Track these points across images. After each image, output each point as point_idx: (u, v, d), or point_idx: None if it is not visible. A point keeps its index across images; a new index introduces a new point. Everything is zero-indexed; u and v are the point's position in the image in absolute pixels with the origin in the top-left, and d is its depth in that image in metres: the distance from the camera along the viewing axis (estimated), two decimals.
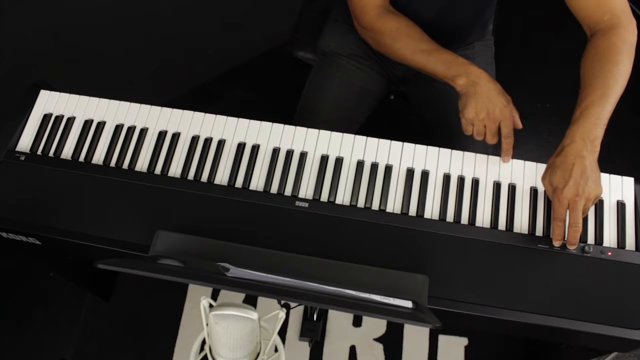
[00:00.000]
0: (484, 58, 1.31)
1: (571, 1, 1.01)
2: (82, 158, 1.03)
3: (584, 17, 1.00)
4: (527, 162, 1.00)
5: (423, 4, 1.12)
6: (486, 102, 0.96)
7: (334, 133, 1.03)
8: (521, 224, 0.95)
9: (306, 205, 0.96)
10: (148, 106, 1.07)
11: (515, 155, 1.01)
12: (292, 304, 1.19)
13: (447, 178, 0.99)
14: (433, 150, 1.02)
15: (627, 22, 0.97)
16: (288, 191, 0.98)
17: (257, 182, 1.00)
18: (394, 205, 0.97)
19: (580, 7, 1.00)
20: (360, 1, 1.07)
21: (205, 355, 0.89)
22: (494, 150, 1.02)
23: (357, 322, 1.63)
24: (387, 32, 1.06)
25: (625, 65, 0.94)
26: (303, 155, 1.01)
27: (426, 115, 1.35)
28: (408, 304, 0.77)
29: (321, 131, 1.04)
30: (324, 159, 1.01)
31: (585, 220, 0.95)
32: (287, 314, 1.59)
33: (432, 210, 0.96)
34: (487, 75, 0.99)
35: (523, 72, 2.04)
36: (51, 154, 1.04)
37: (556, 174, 0.90)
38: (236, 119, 1.06)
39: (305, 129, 1.04)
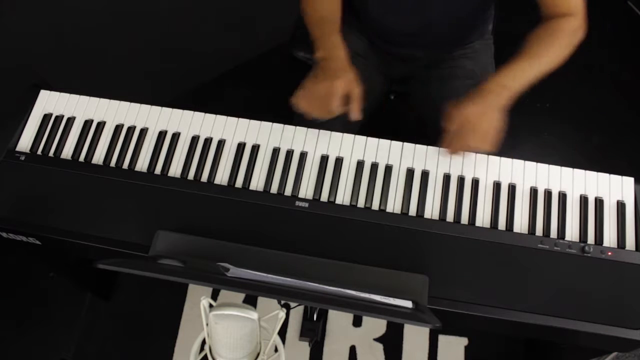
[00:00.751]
0: (484, 57, 1.31)
1: None
2: (82, 158, 1.03)
3: (546, 3, 1.07)
4: (527, 162, 1.00)
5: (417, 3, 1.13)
6: (331, 75, 1.01)
7: (334, 133, 1.03)
8: (521, 223, 0.95)
9: (306, 205, 0.96)
10: (148, 106, 1.07)
11: (515, 155, 1.01)
12: (292, 304, 1.19)
13: (447, 178, 0.99)
14: (433, 150, 1.02)
15: (581, 19, 1.05)
16: (288, 191, 0.98)
17: (257, 182, 1.00)
18: (394, 205, 0.97)
19: None
20: None
21: (205, 355, 0.89)
22: (490, 152, 1.02)
23: (357, 322, 1.63)
24: None
25: (563, 49, 1.04)
26: (303, 155, 1.01)
27: (426, 115, 1.35)
28: (408, 304, 0.77)
29: (321, 131, 1.04)
30: (324, 159, 1.01)
31: (585, 220, 0.95)
32: (287, 314, 1.59)
33: (432, 210, 0.96)
34: (342, 62, 1.04)
35: None
36: (51, 154, 1.04)
37: (469, 100, 0.98)
38: (236, 119, 1.06)
39: (305, 129, 1.04)
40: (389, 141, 1.03)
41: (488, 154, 1.02)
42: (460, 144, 0.98)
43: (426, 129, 1.33)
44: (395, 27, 1.22)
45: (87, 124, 1.06)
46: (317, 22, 1.12)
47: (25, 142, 1.05)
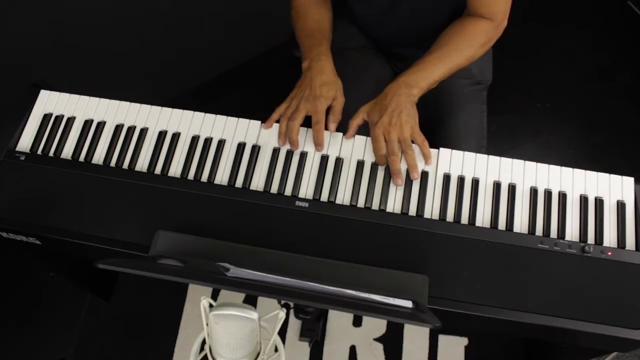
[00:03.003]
0: (482, 57, 1.30)
1: None
2: (82, 158, 1.03)
3: (472, 2, 1.07)
4: (527, 162, 1.00)
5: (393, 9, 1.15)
6: (307, 89, 1.04)
7: (333, 133, 1.04)
8: (521, 223, 0.95)
9: (306, 205, 0.96)
10: (148, 106, 1.07)
11: (515, 155, 1.01)
12: (292, 304, 1.20)
13: (447, 178, 0.99)
14: (433, 150, 1.02)
15: (500, 21, 1.07)
16: (288, 191, 0.98)
17: (257, 182, 1.00)
18: (394, 205, 0.97)
19: None
20: None
21: (205, 355, 0.89)
22: (494, 150, 1.02)
23: (357, 322, 1.63)
24: (295, 6, 1.18)
25: (474, 51, 1.06)
26: (303, 155, 1.01)
27: (427, 114, 1.35)
28: (408, 304, 0.77)
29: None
30: (324, 159, 1.01)
31: (585, 220, 0.95)
32: (287, 314, 1.59)
33: (432, 210, 0.96)
34: (325, 76, 1.06)
35: (522, 72, 2.05)
36: (51, 153, 1.04)
37: (374, 109, 1.00)
38: (236, 119, 1.06)
39: (305, 129, 1.04)
40: None
41: (497, 152, 1.01)
42: (394, 132, 0.97)
43: (426, 129, 1.33)
44: (380, 27, 1.22)
45: (87, 124, 1.06)
46: (306, 35, 1.13)
47: (25, 142, 1.05)
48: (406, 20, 1.18)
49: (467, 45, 1.05)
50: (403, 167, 0.99)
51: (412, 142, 0.99)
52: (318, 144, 1.01)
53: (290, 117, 1.02)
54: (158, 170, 1.01)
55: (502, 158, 1.01)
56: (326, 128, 1.03)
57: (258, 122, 1.05)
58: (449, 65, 1.03)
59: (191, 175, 1.01)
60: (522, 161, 1.01)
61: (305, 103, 1.02)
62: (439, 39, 1.07)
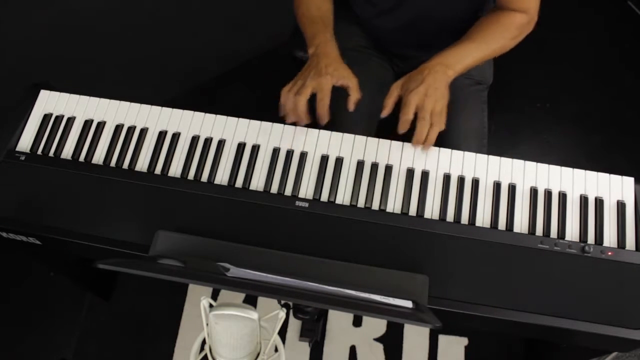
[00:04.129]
0: None
1: None
2: (82, 158, 1.03)
3: None
4: (527, 162, 1.00)
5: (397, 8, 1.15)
6: (315, 72, 1.03)
7: (333, 133, 1.04)
8: (521, 223, 0.95)
9: (306, 205, 0.96)
10: (148, 106, 1.07)
11: (515, 155, 1.01)
12: (292, 304, 1.20)
13: (447, 178, 0.99)
14: (433, 150, 1.02)
15: (532, 17, 1.08)
16: (288, 191, 0.98)
17: (257, 182, 1.00)
18: (394, 205, 0.97)
19: None
20: None
21: (205, 355, 0.89)
22: (494, 150, 1.02)
23: (357, 322, 1.63)
24: None
25: (506, 42, 1.07)
26: (303, 155, 1.01)
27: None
28: (408, 304, 0.77)
29: (321, 131, 1.04)
30: (324, 159, 1.01)
31: (585, 220, 0.95)
32: (287, 314, 1.59)
33: (432, 210, 0.96)
34: (332, 59, 1.05)
35: (523, 72, 2.04)
36: (51, 154, 1.04)
37: (409, 81, 0.99)
38: (236, 119, 1.06)
39: (305, 129, 1.04)
40: (389, 141, 1.03)
41: (497, 152, 1.01)
42: (429, 102, 0.97)
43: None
44: (380, 26, 1.22)
45: (87, 124, 1.06)
46: (309, 21, 1.13)
47: (25, 142, 1.05)
48: (409, 20, 1.18)
49: (501, 36, 1.06)
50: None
51: None
52: (322, 116, 1.00)
53: (297, 92, 1.00)
54: (158, 170, 1.01)
55: (502, 158, 1.01)
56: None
57: (258, 122, 1.05)
58: (482, 52, 1.04)
59: (191, 175, 1.01)
60: (522, 161, 1.01)
61: (311, 81, 1.00)
62: (474, 27, 1.08)
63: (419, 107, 0.96)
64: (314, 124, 1.03)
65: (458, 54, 1.03)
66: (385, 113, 1.00)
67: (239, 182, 1.00)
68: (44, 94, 1.09)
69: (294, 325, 1.61)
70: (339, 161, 1.01)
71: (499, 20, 1.08)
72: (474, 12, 1.22)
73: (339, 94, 1.25)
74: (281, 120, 1.06)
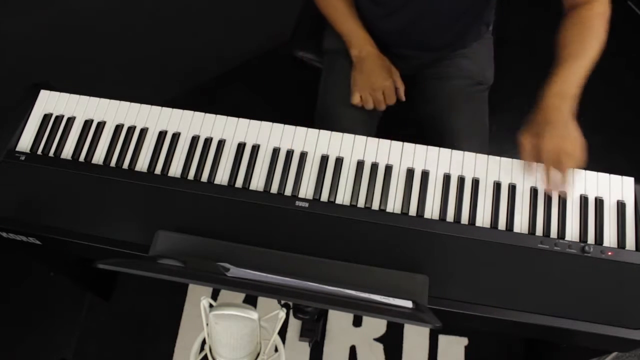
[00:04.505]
0: (483, 57, 1.31)
1: None
2: (82, 158, 1.03)
3: None
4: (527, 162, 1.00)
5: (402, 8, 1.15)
6: (370, 76, 1.17)
7: (333, 133, 1.04)
8: (521, 223, 0.95)
9: (306, 205, 0.96)
10: (148, 106, 1.07)
11: (515, 155, 1.01)
12: (292, 304, 1.20)
13: (447, 178, 0.99)
14: (433, 150, 1.02)
15: (605, 2, 1.03)
16: (288, 191, 0.98)
17: (257, 182, 1.00)
18: (394, 205, 0.97)
19: None
20: None
21: (205, 355, 0.89)
22: (494, 150, 1.02)
23: (357, 322, 1.63)
24: None
25: (599, 35, 1.01)
26: (303, 155, 1.01)
27: (425, 114, 1.35)
28: (408, 304, 0.77)
29: (321, 131, 1.04)
30: (324, 159, 1.01)
31: (585, 220, 0.95)
32: (287, 314, 1.59)
33: (432, 210, 0.96)
34: (377, 53, 1.18)
35: (523, 72, 2.04)
36: (51, 154, 1.04)
37: (537, 125, 0.96)
38: (236, 119, 1.06)
39: (305, 129, 1.04)
40: (389, 141, 1.03)
41: (497, 152, 1.03)
42: (561, 171, 0.94)
43: (426, 129, 1.33)
44: (383, 26, 1.22)
45: (87, 124, 1.06)
46: (342, 18, 1.21)
47: (25, 142, 1.05)
48: (412, 20, 1.17)
49: (595, 36, 1.01)
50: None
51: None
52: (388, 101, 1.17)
53: (376, 103, 1.17)
54: (158, 170, 1.01)
55: (502, 158, 1.01)
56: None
57: (258, 122, 1.05)
58: (587, 63, 1.00)
59: (191, 175, 1.01)
60: (522, 161, 1.00)
61: (376, 92, 1.16)
62: (566, 39, 1.03)
63: (555, 154, 0.94)
64: (313, 123, 1.04)
65: (567, 77, 0.98)
66: (528, 166, 0.98)
67: (239, 182, 1.00)
68: (44, 94, 1.09)
69: (294, 325, 1.61)
70: (339, 161, 1.01)
71: (578, 24, 1.03)
72: (477, 13, 1.22)
73: (340, 94, 1.25)
74: (281, 120, 1.06)
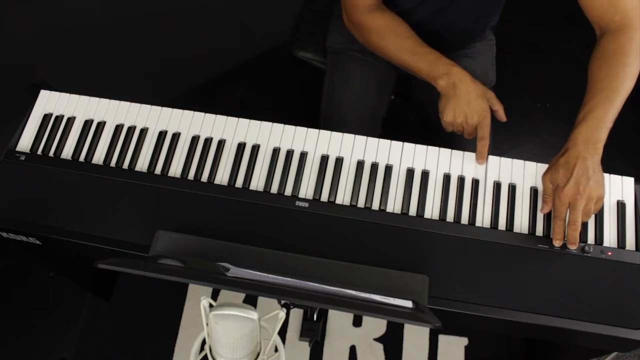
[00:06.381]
0: (485, 58, 1.31)
1: (583, 0, 0.99)
2: (82, 158, 1.03)
3: (595, 16, 0.98)
4: (527, 162, 1.00)
5: (417, 7, 1.13)
6: (465, 106, 0.99)
7: (334, 133, 1.04)
8: (521, 224, 0.95)
9: (306, 205, 0.96)
10: (148, 106, 1.07)
11: (515, 155, 1.01)
12: (292, 304, 1.20)
13: (447, 178, 0.99)
14: (433, 150, 1.02)
15: (637, 22, 0.95)
16: (288, 191, 0.98)
17: (257, 182, 1.00)
18: (394, 205, 0.97)
19: (593, 6, 0.98)
20: None
21: (205, 355, 0.89)
22: (495, 150, 1.02)
23: (357, 322, 1.63)
24: (375, 29, 1.07)
25: (632, 67, 0.93)
26: (303, 155, 1.01)
27: (426, 114, 1.35)
28: (408, 304, 0.77)
29: (321, 131, 1.04)
30: (324, 159, 1.01)
31: (585, 221, 0.95)
32: (287, 314, 1.59)
33: (432, 210, 0.96)
34: (469, 78, 1.00)
35: (523, 72, 2.04)
36: (51, 154, 1.04)
37: (558, 172, 0.91)
38: (236, 119, 1.06)
39: (305, 129, 1.04)
40: (389, 141, 1.03)
41: (497, 152, 1.01)
42: (581, 202, 0.89)
43: (426, 129, 1.33)
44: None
45: (87, 124, 1.06)
46: (413, 50, 1.05)
47: (25, 142, 1.05)
48: (423, 20, 1.16)
49: (628, 69, 0.93)
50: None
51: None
52: (481, 158, 0.99)
53: (471, 134, 1.01)
54: (158, 170, 1.01)
55: (502, 158, 1.01)
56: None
57: (258, 122, 1.05)
58: (620, 102, 0.94)
59: (191, 175, 1.01)
60: (522, 161, 1.01)
61: (472, 119, 0.99)
62: (597, 74, 0.95)
63: (571, 207, 0.90)
64: (314, 123, 1.04)
65: (600, 120, 0.91)
66: (545, 210, 0.95)
67: (239, 182, 1.00)
68: (44, 94, 1.09)
69: (294, 325, 1.61)
70: (339, 161, 1.01)
71: (609, 55, 0.94)
72: (488, 13, 1.21)
73: (346, 93, 1.25)
74: (281, 120, 1.06)
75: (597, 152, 0.91)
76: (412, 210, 0.96)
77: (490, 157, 1.01)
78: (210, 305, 0.82)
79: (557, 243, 0.92)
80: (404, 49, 1.05)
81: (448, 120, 1.01)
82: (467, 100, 0.99)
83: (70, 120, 1.06)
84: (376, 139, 1.03)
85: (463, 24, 1.18)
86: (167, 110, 1.07)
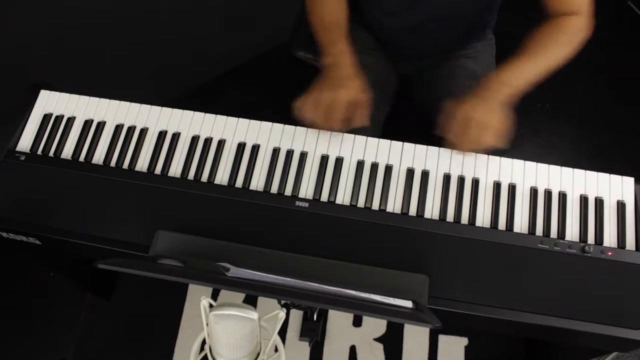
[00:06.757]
0: (486, 57, 1.31)
1: None
2: (82, 158, 1.03)
3: (551, 4, 1.06)
4: (527, 162, 1.00)
5: (412, 8, 1.14)
6: (331, 87, 1.00)
7: (333, 133, 1.03)
8: (521, 223, 0.95)
9: (306, 205, 0.96)
10: (148, 106, 1.07)
11: (515, 155, 1.01)
12: (292, 304, 1.20)
13: (447, 178, 0.99)
14: (433, 150, 1.02)
15: (586, 18, 1.04)
16: (288, 191, 0.98)
17: (257, 182, 1.00)
18: (394, 205, 0.97)
19: None
20: None
21: (205, 355, 0.89)
22: (495, 150, 1.02)
23: (357, 322, 1.63)
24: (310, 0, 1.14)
25: (565, 48, 1.03)
26: (303, 155, 1.01)
27: (428, 115, 1.35)
28: (408, 304, 0.77)
29: (321, 131, 1.04)
30: (324, 159, 1.01)
31: (585, 220, 0.95)
32: (287, 314, 1.59)
33: (432, 210, 0.96)
34: (349, 68, 1.03)
35: None
36: (51, 154, 1.04)
37: (469, 99, 0.98)
38: (236, 119, 1.06)
39: (305, 129, 1.04)
40: (389, 141, 1.03)
41: (496, 152, 1.01)
42: (470, 143, 0.96)
43: (427, 129, 1.33)
44: (388, 26, 1.22)
45: (87, 124, 1.06)
46: (324, 29, 1.11)
47: (25, 142, 1.05)
48: (417, 23, 1.17)
49: (563, 44, 1.03)
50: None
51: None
52: (334, 129, 1.00)
53: (326, 117, 0.99)
54: (158, 170, 1.01)
55: (502, 158, 1.01)
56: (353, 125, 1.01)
57: (258, 122, 1.05)
58: (541, 66, 1.01)
59: (191, 175, 1.01)
60: (522, 161, 1.01)
61: (327, 94, 0.99)
62: (533, 39, 1.04)
63: (471, 142, 0.96)
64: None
65: (516, 70, 1.00)
66: (442, 132, 0.99)
67: (239, 182, 1.00)
68: (44, 94, 1.09)
69: (294, 325, 1.61)
70: (339, 161, 1.01)
71: (551, 30, 1.04)
72: (481, 13, 1.22)
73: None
74: (281, 120, 1.06)
75: (503, 91, 0.97)
76: (412, 210, 0.96)
77: (490, 157, 1.01)
78: (210, 305, 0.82)
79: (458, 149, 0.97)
80: (324, 22, 1.12)
81: (313, 92, 1.01)
82: (341, 82, 1.01)
83: (70, 120, 1.06)
84: (376, 139, 1.03)
85: (454, 26, 1.19)
86: (167, 110, 1.07)
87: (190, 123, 1.05)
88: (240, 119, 1.06)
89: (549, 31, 1.04)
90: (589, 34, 1.04)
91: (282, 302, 1.06)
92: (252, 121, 1.05)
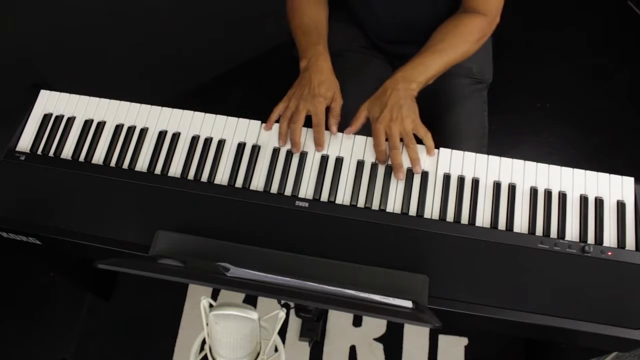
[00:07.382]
0: (482, 55, 1.31)
1: None
2: (82, 158, 1.03)
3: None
4: (527, 162, 1.00)
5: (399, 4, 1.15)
6: (309, 94, 1.03)
7: (333, 133, 1.04)
8: (521, 223, 0.95)
9: (306, 205, 0.96)
10: (148, 106, 1.07)
11: (515, 155, 1.01)
12: (292, 304, 1.20)
13: (447, 178, 0.99)
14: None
15: (494, 17, 1.09)
16: (288, 191, 0.98)
17: (257, 182, 1.00)
18: (394, 205, 0.97)
19: None
20: None
21: (205, 355, 0.89)
22: (495, 150, 1.02)
23: (357, 322, 1.63)
24: (291, 4, 1.17)
25: (468, 45, 1.07)
26: (303, 155, 1.01)
27: (427, 114, 1.35)
28: (408, 304, 0.77)
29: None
30: (324, 159, 1.01)
31: (585, 220, 0.95)
32: (287, 314, 1.59)
33: (432, 210, 0.96)
34: (326, 72, 1.06)
35: (523, 72, 2.04)
36: (51, 153, 1.04)
37: (374, 105, 1.01)
38: (236, 119, 1.06)
39: (305, 129, 1.04)
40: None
41: (497, 152, 1.01)
42: (395, 126, 0.98)
43: (426, 129, 1.33)
44: (379, 25, 1.23)
45: (87, 124, 1.06)
46: (302, 33, 1.13)
47: (25, 142, 1.05)
48: (408, 20, 1.18)
49: (462, 41, 1.07)
50: (405, 162, 0.99)
51: (415, 135, 0.99)
52: (319, 145, 1.02)
53: (292, 119, 1.02)
54: (158, 170, 1.01)
55: (502, 158, 1.01)
56: (327, 129, 1.03)
57: (258, 122, 1.05)
58: (444, 61, 1.05)
59: (191, 175, 1.01)
60: (522, 161, 1.01)
61: (305, 103, 1.02)
62: (434, 35, 1.09)
63: (387, 135, 0.98)
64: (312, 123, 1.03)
65: (420, 65, 1.03)
66: (349, 131, 1.02)
67: (239, 182, 1.00)
68: (44, 94, 1.09)
69: (294, 325, 1.61)
70: (339, 161, 1.01)
71: (458, 25, 1.08)
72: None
73: (357, 94, 1.24)
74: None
75: (409, 87, 1.00)
76: (412, 210, 0.96)
77: (490, 157, 1.01)
78: (210, 305, 0.82)
79: (399, 176, 0.98)
80: (302, 25, 1.14)
81: (292, 96, 1.05)
82: (311, 88, 1.04)
83: (70, 120, 1.06)
84: None
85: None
86: (167, 110, 1.07)
87: (190, 123, 1.06)
88: (240, 119, 1.06)
89: (455, 28, 1.08)
90: (489, 34, 1.10)
91: (282, 302, 1.06)
92: (252, 121, 1.05)
